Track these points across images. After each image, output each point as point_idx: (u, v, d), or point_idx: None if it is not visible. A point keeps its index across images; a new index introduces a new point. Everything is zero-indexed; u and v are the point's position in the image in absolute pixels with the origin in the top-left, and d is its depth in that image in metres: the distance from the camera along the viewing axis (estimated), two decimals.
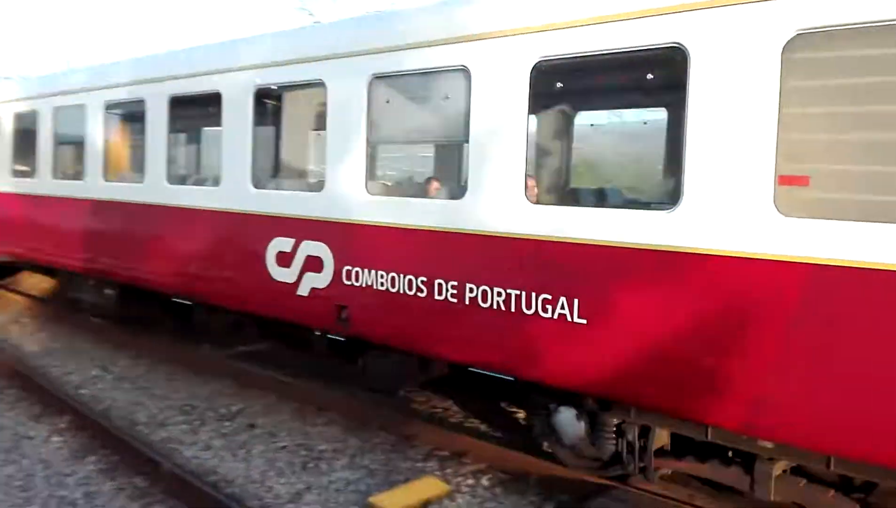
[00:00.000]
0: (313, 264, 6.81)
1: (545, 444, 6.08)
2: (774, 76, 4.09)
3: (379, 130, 6.39)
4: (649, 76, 6.24)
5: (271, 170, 8.35)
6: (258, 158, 7.57)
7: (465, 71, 5.55)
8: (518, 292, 5.32)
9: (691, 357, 4.53)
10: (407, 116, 6.64)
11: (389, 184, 7.83)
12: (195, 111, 9.03)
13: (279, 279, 7.15)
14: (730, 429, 4.62)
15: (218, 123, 7.83)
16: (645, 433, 5.25)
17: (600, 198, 6.74)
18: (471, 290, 5.60)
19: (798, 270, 4.03)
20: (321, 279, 6.76)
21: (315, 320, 7.15)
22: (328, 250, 6.68)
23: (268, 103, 8.04)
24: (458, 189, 6.14)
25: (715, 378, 4.42)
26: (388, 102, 6.30)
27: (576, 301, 5.02)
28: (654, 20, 4.58)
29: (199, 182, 8.86)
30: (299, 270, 6.95)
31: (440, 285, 5.81)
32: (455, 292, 5.71)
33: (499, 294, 5.43)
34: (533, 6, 5.25)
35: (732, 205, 4.28)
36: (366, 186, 6.38)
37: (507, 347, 5.51)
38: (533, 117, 5.86)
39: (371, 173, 6.60)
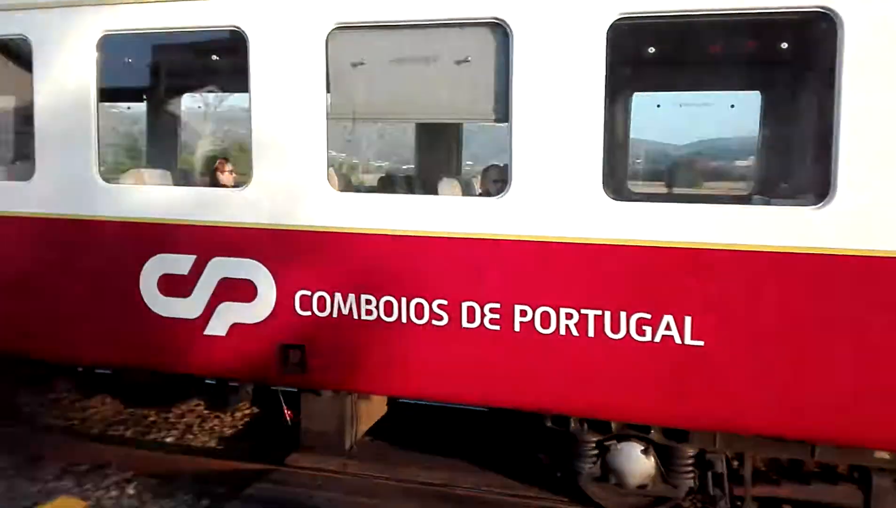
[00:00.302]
0: (234, 290, 4.80)
1: (589, 487, 5.01)
2: None
3: None
4: None
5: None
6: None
7: None
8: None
9: None
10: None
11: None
12: None
13: (169, 314, 4.95)
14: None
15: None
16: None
17: None
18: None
19: None
20: (251, 311, 4.79)
21: (241, 369, 5.07)
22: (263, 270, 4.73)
23: None
24: None
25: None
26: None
27: None
28: None
29: None
30: (206, 299, 4.86)
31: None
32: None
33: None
34: None
35: None
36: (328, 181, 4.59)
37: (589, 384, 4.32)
38: None
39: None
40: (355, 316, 4.64)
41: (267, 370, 4.92)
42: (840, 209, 3.78)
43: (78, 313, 5.18)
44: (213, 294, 4.87)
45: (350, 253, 4.62)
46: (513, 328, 4.35)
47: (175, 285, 4.93)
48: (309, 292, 4.70)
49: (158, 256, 4.94)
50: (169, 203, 4.96)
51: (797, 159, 5.29)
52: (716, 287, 4.01)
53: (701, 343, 4.06)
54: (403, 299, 4.53)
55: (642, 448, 4.65)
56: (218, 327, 4.90)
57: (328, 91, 4.54)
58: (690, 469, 4.63)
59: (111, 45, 4.98)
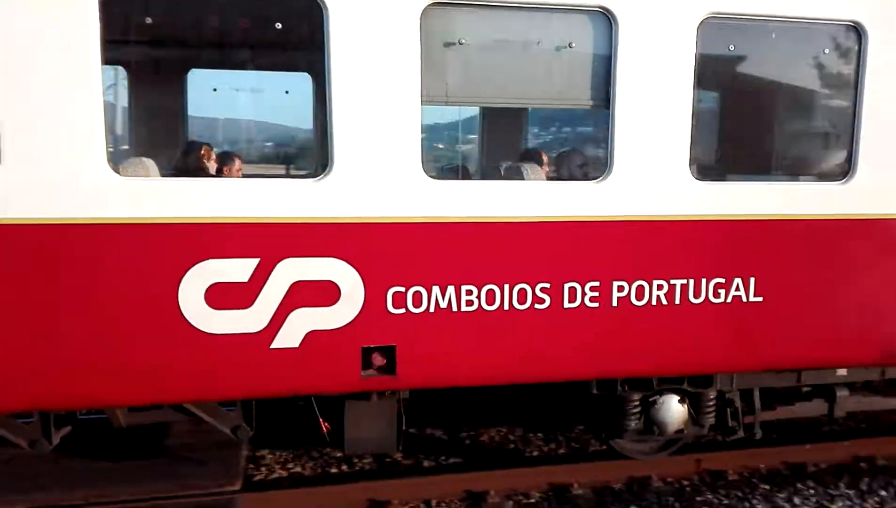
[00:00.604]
0: (311, 294, 4.22)
1: (621, 444, 5.58)
2: None
3: None
4: None
5: None
6: None
7: None
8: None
9: None
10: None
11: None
12: None
13: (222, 332, 4.13)
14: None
15: None
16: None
17: None
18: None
19: None
20: (332, 316, 4.26)
21: (315, 381, 4.42)
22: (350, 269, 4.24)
23: None
24: None
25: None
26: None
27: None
28: None
29: None
30: (274, 309, 4.18)
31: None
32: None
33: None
34: None
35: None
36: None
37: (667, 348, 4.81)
38: None
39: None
40: (454, 309, 4.44)
41: (347, 378, 4.41)
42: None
43: None
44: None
45: (447, 243, 4.38)
46: (610, 303, 4.64)
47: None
48: (403, 289, 4.34)
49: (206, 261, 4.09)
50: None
51: None
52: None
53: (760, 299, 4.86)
54: (506, 286, 4.48)
55: (679, 398, 5.34)
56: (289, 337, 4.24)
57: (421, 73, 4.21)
58: (712, 408, 5.45)
59: None
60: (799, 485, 5.73)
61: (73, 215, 3.88)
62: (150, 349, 4.10)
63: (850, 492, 5.64)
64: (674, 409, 5.32)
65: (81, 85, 3.79)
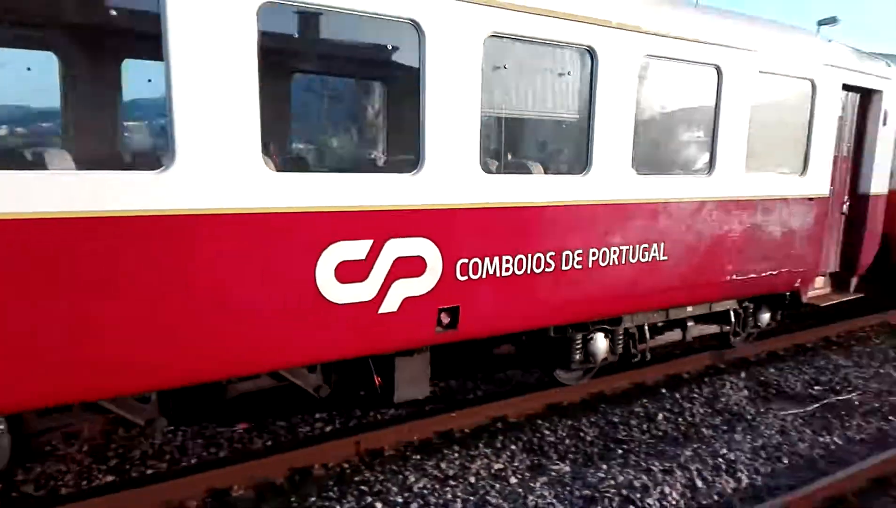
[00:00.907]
0: (407, 267, 5.31)
1: (563, 376, 7.59)
2: None
3: None
4: None
5: None
6: None
7: None
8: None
9: None
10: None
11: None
12: None
13: (345, 302, 5.02)
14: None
15: None
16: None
17: None
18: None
19: None
20: (419, 285, 5.39)
21: (402, 338, 5.45)
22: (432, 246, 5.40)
23: None
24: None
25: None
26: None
27: None
28: None
29: None
30: (382, 280, 5.19)
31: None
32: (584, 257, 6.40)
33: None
34: None
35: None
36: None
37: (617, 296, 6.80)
38: None
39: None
40: (498, 274, 5.80)
41: (427, 334, 5.58)
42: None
43: None
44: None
45: (494, 224, 5.71)
46: (587, 266, 6.38)
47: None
48: (466, 260, 5.60)
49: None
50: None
51: None
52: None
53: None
54: (529, 255, 5.96)
55: (604, 334, 7.31)
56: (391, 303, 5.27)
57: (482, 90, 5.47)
58: (621, 341, 7.52)
59: None
60: (445, 451, 6.28)
61: (243, 205, 4.47)
62: (296, 320, 4.85)
63: (488, 451, 6.33)
64: (600, 343, 7.27)
65: (246, 93, 4.43)
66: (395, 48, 7.03)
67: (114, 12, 5.84)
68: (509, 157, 6.67)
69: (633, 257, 6.73)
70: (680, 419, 7.21)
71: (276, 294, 4.74)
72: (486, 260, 5.72)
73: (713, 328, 8.55)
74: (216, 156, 4.36)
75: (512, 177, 5.92)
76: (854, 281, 9.93)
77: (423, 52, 5.11)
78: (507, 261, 5.85)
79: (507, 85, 6.09)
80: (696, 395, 7.79)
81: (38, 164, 4.26)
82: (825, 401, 7.76)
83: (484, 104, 5.52)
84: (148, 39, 4.21)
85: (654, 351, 8.17)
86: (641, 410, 7.40)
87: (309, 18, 5.99)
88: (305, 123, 8.65)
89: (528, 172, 6.23)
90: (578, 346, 7.17)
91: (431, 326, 5.54)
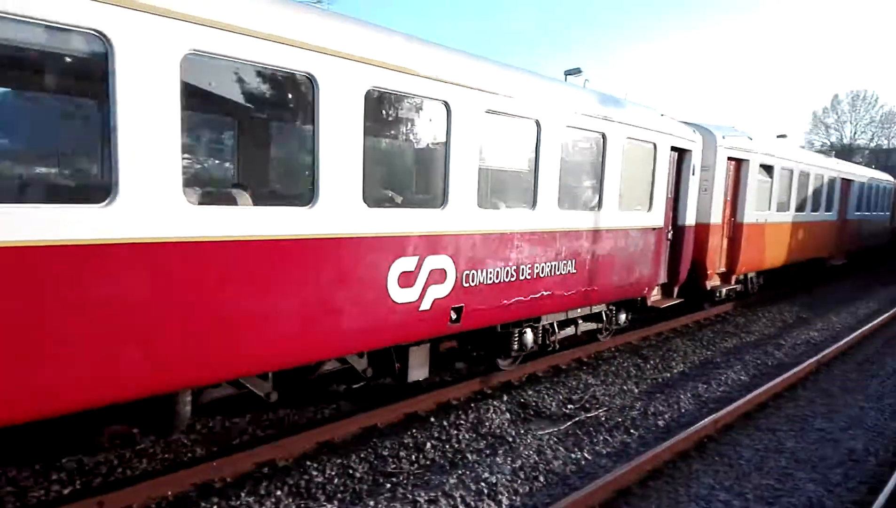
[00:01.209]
0: (436, 276, 7.35)
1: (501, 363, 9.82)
2: None
3: None
4: None
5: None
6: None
7: None
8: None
9: None
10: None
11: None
12: None
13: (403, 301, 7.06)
14: None
15: None
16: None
17: None
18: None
19: None
20: (442, 289, 7.46)
21: (429, 329, 7.55)
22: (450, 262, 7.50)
23: None
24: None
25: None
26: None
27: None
28: None
29: None
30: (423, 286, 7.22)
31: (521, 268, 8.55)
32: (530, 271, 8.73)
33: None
34: None
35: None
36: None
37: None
38: None
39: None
40: (484, 282, 7.95)
41: (444, 327, 7.60)
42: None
43: None
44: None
45: (485, 245, 7.86)
46: (520, 277, 8.52)
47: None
48: (467, 271, 7.71)
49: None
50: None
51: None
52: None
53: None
54: (502, 268, 8.20)
55: (532, 329, 9.36)
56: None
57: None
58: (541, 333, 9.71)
59: None
60: (203, 504, 5.84)
61: (349, 231, 6.34)
62: (375, 315, 6.76)
63: (251, 499, 5.96)
64: (529, 335, 9.45)
65: (355, 148, 6.22)
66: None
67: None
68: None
69: (554, 271, 9.09)
70: (447, 447, 7.35)
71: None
72: (475, 271, 7.88)
73: (593, 326, 11.14)
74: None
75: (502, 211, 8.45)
76: (676, 290, 13.12)
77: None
78: (492, 272, 8.10)
79: None
80: (462, 421, 8.01)
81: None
82: (577, 419, 8.38)
83: None
84: None
85: (561, 342, 10.55)
86: (411, 440, 7.43)
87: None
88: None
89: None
90: (515, 338, 9.33)
91: (447, 320, 7.62)
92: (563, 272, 9.12)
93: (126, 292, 4.82)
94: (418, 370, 8.10)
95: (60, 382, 4.59)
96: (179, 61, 4.94)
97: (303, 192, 6.13)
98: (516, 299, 8.43)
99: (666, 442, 7.38)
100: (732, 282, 15.69)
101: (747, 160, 15.08)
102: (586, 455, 7.39)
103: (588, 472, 6.96)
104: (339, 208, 6.24)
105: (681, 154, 12.39)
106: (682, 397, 9.54)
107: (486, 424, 7.99)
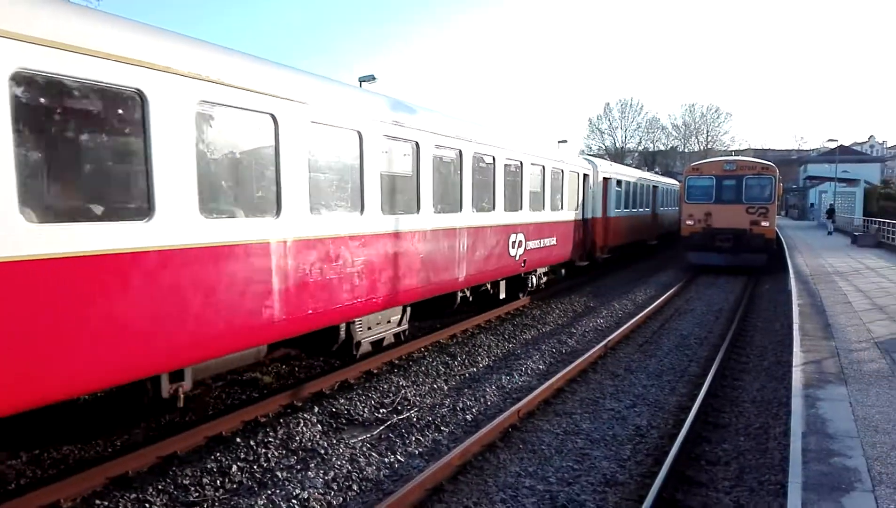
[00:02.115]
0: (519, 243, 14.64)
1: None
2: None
3: None
4: None
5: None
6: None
7: None
8: None
9: None
10: None
11: None
12: None
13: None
14: None
15: None
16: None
17: None
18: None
19: None
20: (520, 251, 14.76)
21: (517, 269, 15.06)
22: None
23: None
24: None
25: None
26: None
27: None
28: None
29: None
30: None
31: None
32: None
33: None
34: None
35: None
36: None
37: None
38: None
39: None
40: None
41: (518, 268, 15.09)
42: None
43: None
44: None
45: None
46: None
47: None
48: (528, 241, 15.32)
49: None
50: None
51: None
52: None
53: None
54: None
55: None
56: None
57: None
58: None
59: None
60: None
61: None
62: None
63: None
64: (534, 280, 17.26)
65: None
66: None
67: None
68: None
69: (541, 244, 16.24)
70: (255, 467, 7.00)
71: None
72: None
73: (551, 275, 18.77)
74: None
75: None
76: (586, 256, 21.58)
77: None
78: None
79: None
80: (271, 438, 7.67)
81: None
82: (389, 422, 8.38)
83: None
84: None
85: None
86: (215, 465, 6.98)
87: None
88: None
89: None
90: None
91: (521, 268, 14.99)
92: (545, 246, 16.82)
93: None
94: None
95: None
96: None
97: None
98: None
99: (474, 436, 7.60)
100: (605, 252, 23.85)
101: (611, 178, 24.14)
102: (399, 457, 7.40)
103: (402, 474, 6.97)
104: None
105: (584, 176, 20.88)
106: (487, 390, 9.91)
107: (297, 438, 7.73)
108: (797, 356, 9.50)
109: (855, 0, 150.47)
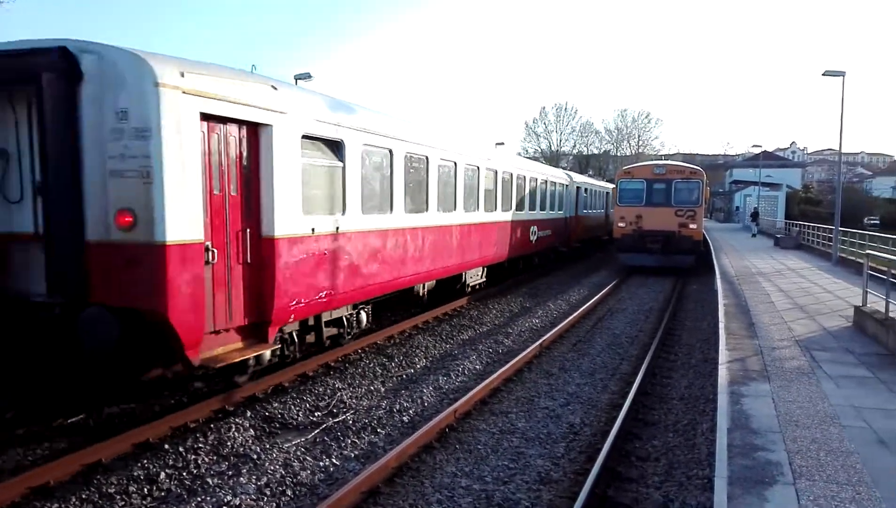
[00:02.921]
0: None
1: None
2: None
3: None
4: None
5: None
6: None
7: None
8: None
9: None
10: None
11: None
12: None
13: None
14: None
15: None
16: None
17: None
18: None
19: None
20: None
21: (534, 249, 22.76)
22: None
23: None
24: None
25: None
26: None
27: None
28: None
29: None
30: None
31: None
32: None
33: None
34: None
35: None
36: None
37: None
38: None
39: None
40: None
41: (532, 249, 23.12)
42: None
43: None
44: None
45: None
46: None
47: None
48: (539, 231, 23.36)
49: None
50: None
51: None
52: None
53: None
54: None
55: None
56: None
57: None
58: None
59: None
60: None
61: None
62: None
63: None
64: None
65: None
66: None
67: None
68: None
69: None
70: (185, 474, 6.79)
71: None
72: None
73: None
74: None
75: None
76: (564, 246, 28.57)
77: None
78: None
79: None
80: (202, 444, 7.46)
81: None
82: (324, 425, 8.27)
83: None
84: None
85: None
86: (142, 472, 6.74)
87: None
88: None
89: None
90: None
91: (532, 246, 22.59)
92: (546, 235, 24.38)
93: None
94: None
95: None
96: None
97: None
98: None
99: (410, 437, 7.58)
100: (576, 243, 30.72)
101: (580, 186, 31.48)
102: (335, 460, 7.31)
103: (337, 478, 6.89)
104: None
105: (565, 186, 28.20)
106: (425, 391, 9.90)
107: (228, 444, 7.54)
108: (723, 355, 9.83)
109: (778, 17, 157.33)
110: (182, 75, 7.00)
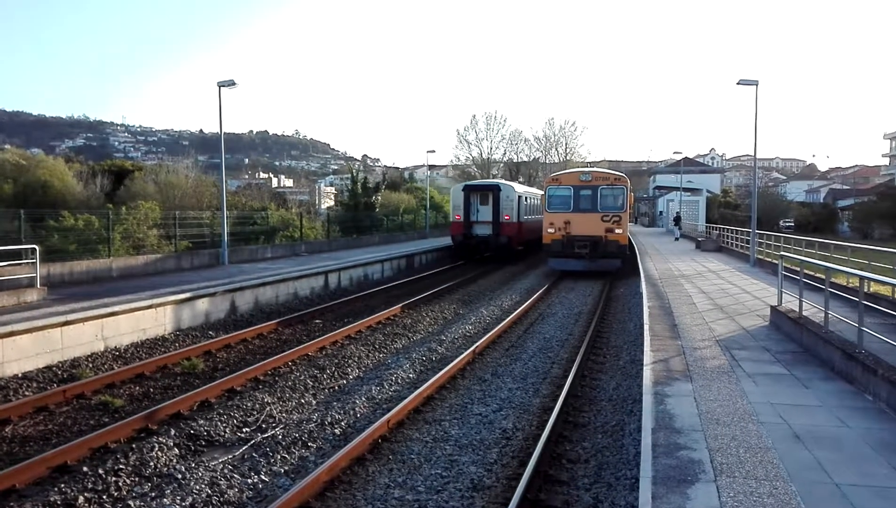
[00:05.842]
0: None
1: None
2: None
3: None
4: None
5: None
6: None
7: None
8: None
9: None
10: None
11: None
12: None
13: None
14: None
15: None
16: None
17: None
18: None
19: None
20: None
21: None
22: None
23: None
24: None
25: None
26: None
27: None
28: None
29: None
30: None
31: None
32: None
33: None
34: None
35: None
36: None
37: None
38: None
39: None
40: None
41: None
42: None
43: None
44: None
45: None
46: None
47: None
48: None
49: None
50: None
51: None
52: None
53: None
54: None
55: None
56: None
57: None
58: None
59: None
60: None
61: None
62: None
63: None
64: None
65: None
66: None
67: None
68: None
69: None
70: (104, 497, 6.50)
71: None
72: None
73: None
74: None
75: None
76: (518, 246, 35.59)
77: None
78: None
79: None
80: (122, 466, 7.13)
81: None
82: (253, 441, 8.07)
83: None
84: None
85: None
86: (59, 497, 6.41)
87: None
88: None
89: None
90: None
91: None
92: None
93: None
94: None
95: None
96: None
97: None
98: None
99: (342, 450, 7.48)
100: (520, 244, 33.72)
101: (522, 194, 34.30)
102: (264, 477, 7.14)
103: (266, 495, 6.73)
104: None
105: (519, 195, 33.77)
106: (357, 402, 9.80)
107: (151, 464, 7.25)
108: (647, 356, 10.09)
109: (694, 29, 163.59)
110: (514, 188, 33.14)
